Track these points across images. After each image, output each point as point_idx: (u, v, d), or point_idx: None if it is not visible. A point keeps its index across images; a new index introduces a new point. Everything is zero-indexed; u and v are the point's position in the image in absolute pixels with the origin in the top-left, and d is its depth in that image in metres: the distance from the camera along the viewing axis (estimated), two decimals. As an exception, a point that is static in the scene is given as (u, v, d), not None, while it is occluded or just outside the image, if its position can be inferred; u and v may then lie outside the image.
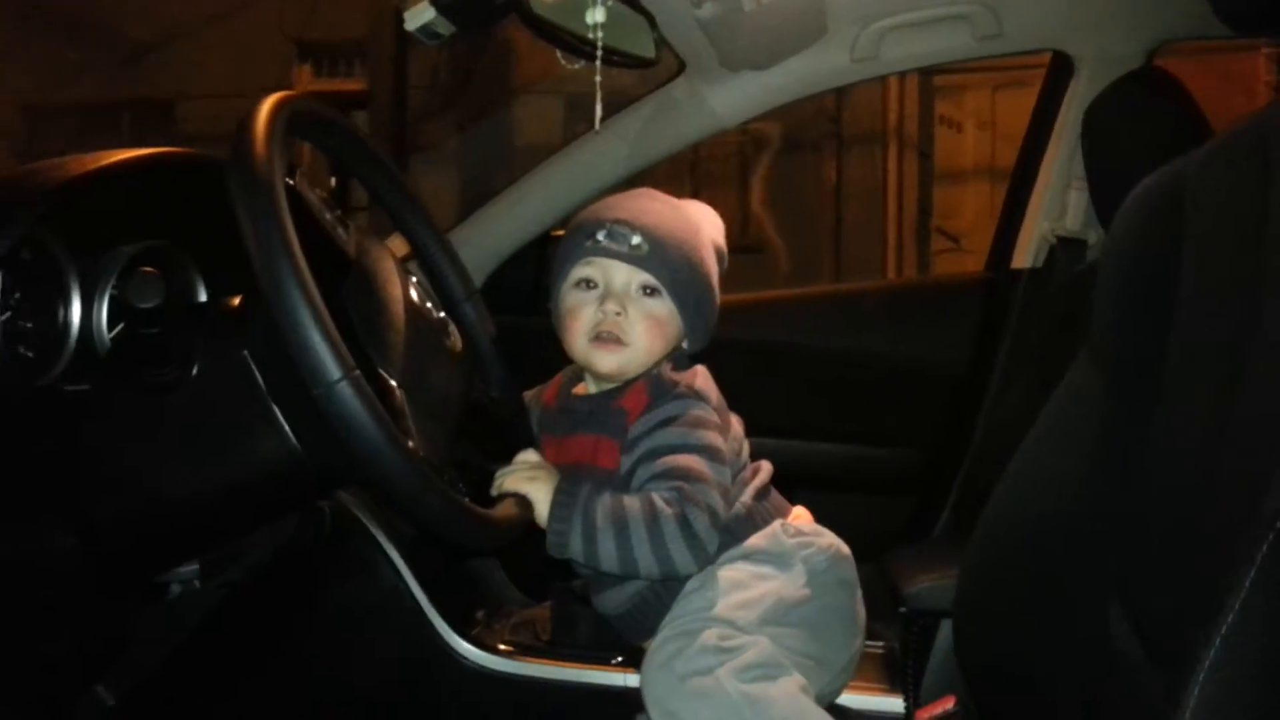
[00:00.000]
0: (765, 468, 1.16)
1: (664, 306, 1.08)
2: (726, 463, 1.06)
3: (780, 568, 1.08)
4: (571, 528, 1.00)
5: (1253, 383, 0.71)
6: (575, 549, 1.01)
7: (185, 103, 7.67)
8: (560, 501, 1.01)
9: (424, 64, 7.10)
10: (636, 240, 1.07)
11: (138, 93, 7.79)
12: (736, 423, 1.14)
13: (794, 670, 1.02)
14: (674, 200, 1.16)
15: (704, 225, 1.15)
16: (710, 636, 1.00)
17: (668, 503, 1.00)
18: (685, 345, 1.14)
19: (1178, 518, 0.80)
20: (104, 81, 7.71)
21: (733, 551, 1.08)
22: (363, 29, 6.89)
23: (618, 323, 1.07)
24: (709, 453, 1.04)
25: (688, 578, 1.06)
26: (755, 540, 1.09)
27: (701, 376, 1.10)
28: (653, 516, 0.99)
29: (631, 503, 1.01)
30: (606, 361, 1.08)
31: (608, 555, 1.00)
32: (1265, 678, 0.61)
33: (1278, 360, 0.70)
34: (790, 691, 1.00)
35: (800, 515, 1.16)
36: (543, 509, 1.01)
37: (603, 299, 1.08)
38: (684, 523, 0.99)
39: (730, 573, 1.07)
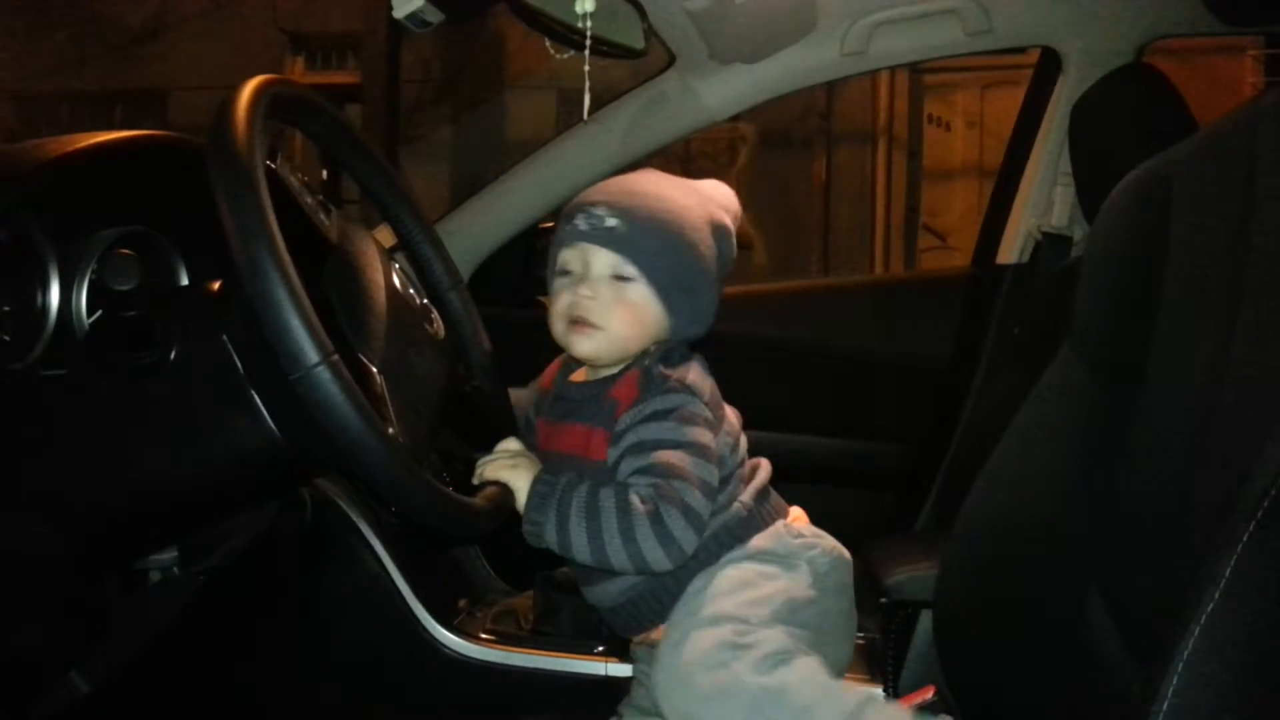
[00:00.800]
0: (764, 467, 1.14)
1: (639, 291, 1.05)
2: (714, 461, 1.04)
3: (786, 568, 1.07)
4: (547, 517, 1.00)
5: (1234, 377, 0.72)
6: (550, 539, 1.01)
7: (178, 93, 7.64)
8: (539, 491, 1.00)
9: (417, 57, 7.09)
10: (612, 223, 1.04)
11: (131, 83, 7.77)
12: (733, 416, 1.13)
13: (809, 651, 1.00)
14: (676, 180, 1.12)
15: (697, 206, 1.10)
16: (724, 633, 0.99)
17: (643, 499, 0.99)
18: (670, 334, 1.10)
19: (1157, 512, 0.80)
20: (97, 72, 7.68)
21: (737, 552, 1.07)
22: (356, 22, 6.87)
23: (590, 306, 1.05)
24: (695, 449, 1.02)
25: (676, 575, 1.04)
26: (759, 541, 1.08)
27: (696, 371, 1.08)
28: (625, 510, 0.98)
29: (607, 496, 1.00)
30: (581, 345, 1.06)
31: (580, 546, 0.99)
32: (1242, 671, 0.61)
33: (1259, 355, 0.70)
34: (807, 675, 0.98)
35: (799, 517, 1.15)
36: (522, 498, 1.01)
37: (578, 283, 1.06)
38: (656, 519, 0.98)
39: (736, 572, 1.05)
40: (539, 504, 1.00)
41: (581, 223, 1.05)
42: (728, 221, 1.11)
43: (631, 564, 0.99)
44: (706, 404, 1.05)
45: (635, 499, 0.99)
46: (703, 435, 1.03)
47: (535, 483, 1.01)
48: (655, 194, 1.08)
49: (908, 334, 1.96)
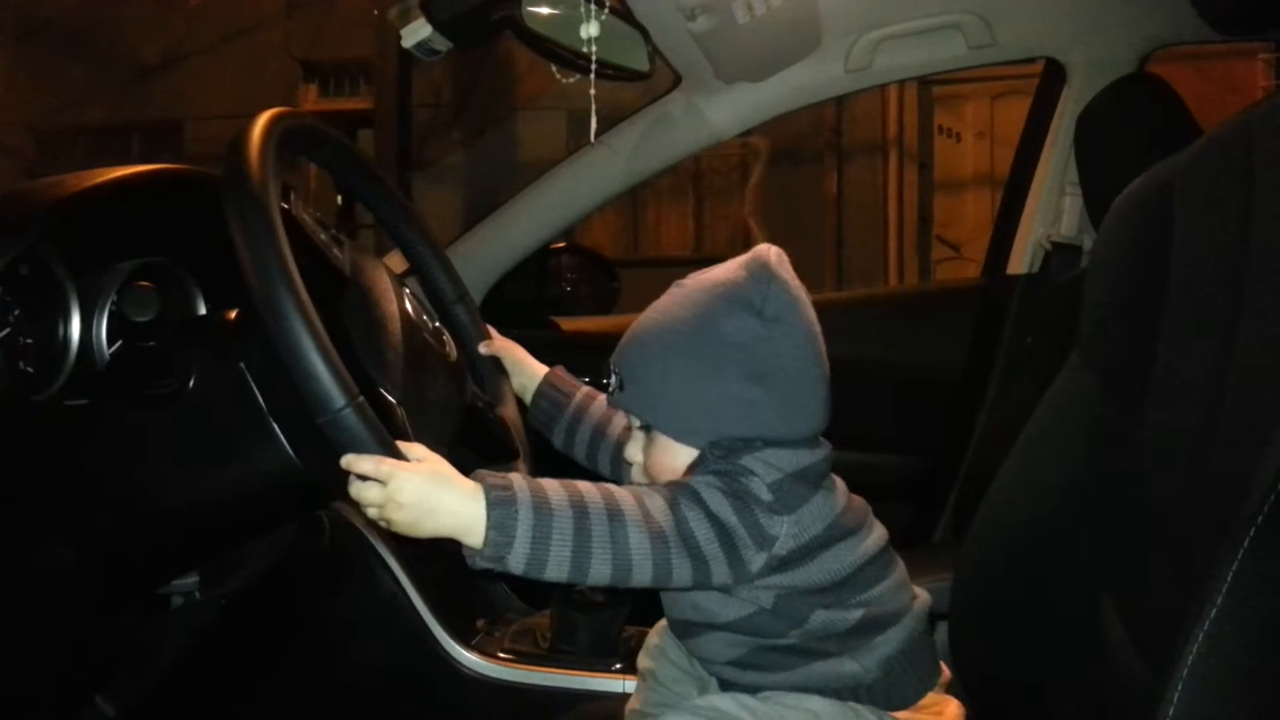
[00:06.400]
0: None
1: (658, 439, 0.93)
2: (748, 524, 0.84)
3: None
4: (518, 518, 0.79)
5: (1237, 384, 0.72)
6: (520, 540, 0.79)
7: (193, 123, 7.73)
8: (494, 485, 0.80)
9: (428, 83, 7.14)
10: (611, 382, 0.94)
11: (146, 114, 7.87)
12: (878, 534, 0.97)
13: None
14: (686, 288, 0.93)
15: (689, 315, 0.91)
16: None
17: (632, 493, 0.83)
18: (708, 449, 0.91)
19: (1166, 518, 0.81)
20: (112, 103, 7.79)
21: None
22: (368, 49, 6.94)
23: (638, 467, 0.95)
24: (729, 495, 0.84)
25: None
26: None
27: (761, 457, 0.87)
28: (612, 499, 0.82)
29: (585, 485, 0.83)
30: None
31: (560, 542, 0.79)
32: (1248, 674, 0.61)
33: (1258, 364, 0.70)
34: None
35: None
36: (467, 505, 0.79)
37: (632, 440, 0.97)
38: (675, 506, 0.82)
39: None
40: (505, 499, 0.79)
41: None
42: (724, 304, 0.90)
43: (653, 569, 0.81)
44: (768, 485, 0.86)
45: (621, 490, 0.84)
46: (750, 491, 0.86)
47: (486, 488, 0.80)
48: (645, 329, 0.93)
49: (921, 346, 1.96)
